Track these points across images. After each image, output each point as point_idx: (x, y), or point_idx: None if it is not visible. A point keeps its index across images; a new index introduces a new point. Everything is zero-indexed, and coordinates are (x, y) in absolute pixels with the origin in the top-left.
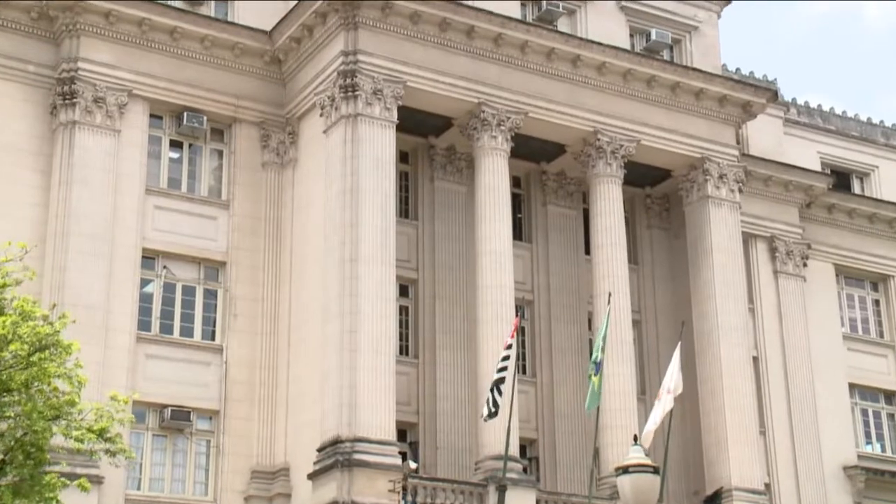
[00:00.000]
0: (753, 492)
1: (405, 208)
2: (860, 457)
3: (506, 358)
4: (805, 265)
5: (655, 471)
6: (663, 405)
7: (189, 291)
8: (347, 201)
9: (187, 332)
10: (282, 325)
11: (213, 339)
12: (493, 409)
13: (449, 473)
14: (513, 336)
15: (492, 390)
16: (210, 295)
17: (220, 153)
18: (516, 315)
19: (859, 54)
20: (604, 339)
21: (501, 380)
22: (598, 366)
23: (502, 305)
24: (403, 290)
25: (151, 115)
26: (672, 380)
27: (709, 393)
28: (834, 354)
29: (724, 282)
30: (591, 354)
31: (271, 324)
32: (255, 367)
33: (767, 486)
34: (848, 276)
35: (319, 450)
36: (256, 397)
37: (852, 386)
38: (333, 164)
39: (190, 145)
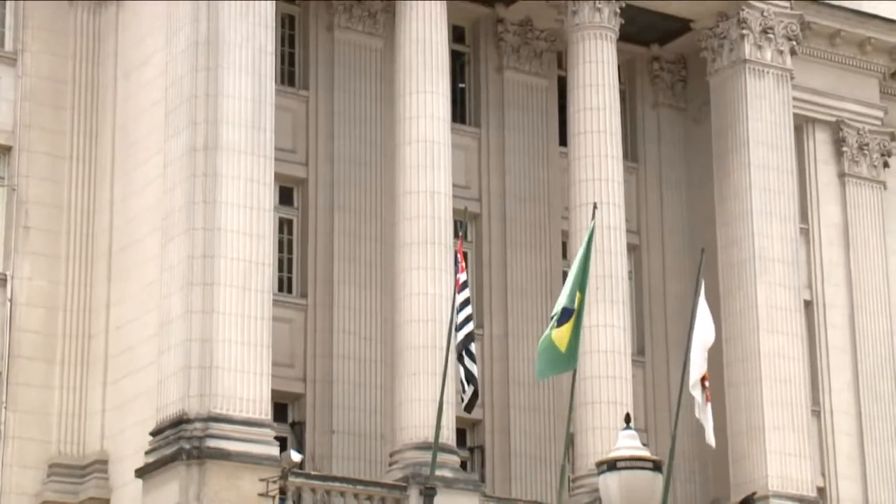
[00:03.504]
0: (801, 500)
1: (290, 71)
2: None
3: (465, 303)
4: (886, 166)
5: (657, 467)
6: (696, 369)
7: None
8: (201, 59)
9: None
10: (99, 245)
11: None
12: (470, 389)
13: (351, 470)
14: (463, 270)
15: (461, 358)
16: None
17: None
18: (457, 236)
19: None
20: (581, 271)
21: (470, 337)
22: (570, 312)
23: (435, 220)
24: (286, 196)
25: None
26: (701, 334)
27: (738, 356)
28: None
29: (766, 189)
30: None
31: (82, 243)
32: (56, 308)
33: (821, 490)
34: None
35: (155, 433)
36: (58, 354)
37: None
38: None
39: None
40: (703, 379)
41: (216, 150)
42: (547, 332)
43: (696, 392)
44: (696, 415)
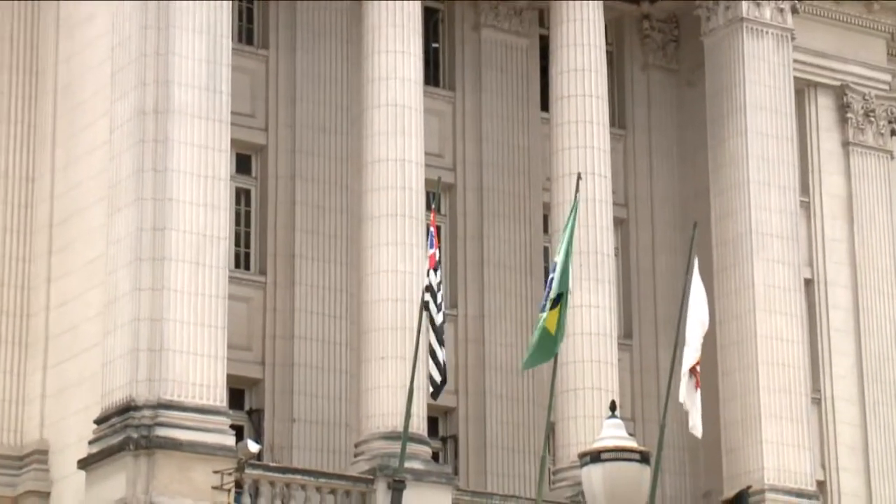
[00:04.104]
0: (800, 494)
1: (248, 29)
2: None
3: (440, 285)
4: (894, 134)
5: (644, 459)
6: (690, 355)
7: None
8: (151, 16)
9: None
10: (40, 216)
11: None
12: (440, 377)
13: (313, 461)
14: (437, 245)
15: (441, 342)
16: None
17: None
18: (429, 208)
19: None
20: (567, 249)
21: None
22: (558, 298)
23: (405, 191)
24: (244, 164)
25: None
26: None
27: (732, 339)
28: None
29: (764, 158)
30: (546, 276)
31: (21, 214)
32: None
33: (821, 484)
34: None
35: (100, 421)
36: None
37: None
38: None
39: None
40: (693, 364)
41: (167, 114)
42: (541, 322)
43: (685, 377)
44: (681, 400)
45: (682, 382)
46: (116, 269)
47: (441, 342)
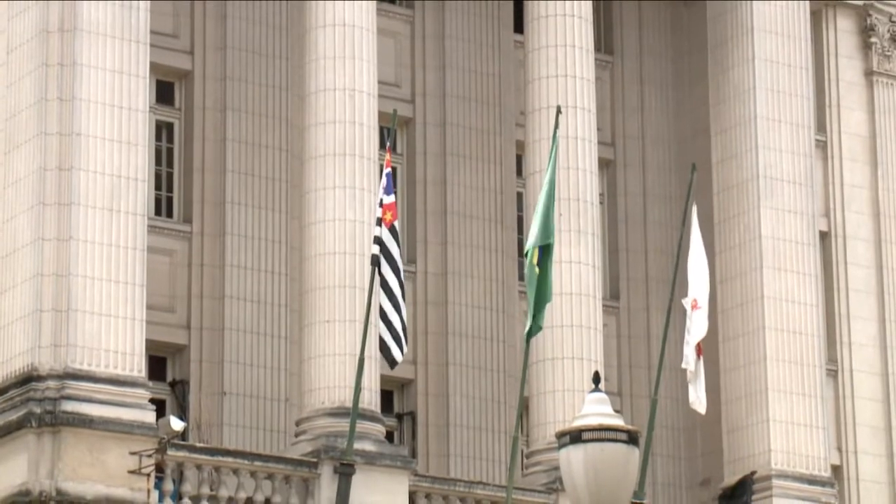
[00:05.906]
0: (812, 480)
1: None
2: None
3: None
4: None
5: (633, 439)
6: (695, 328)
7: None
8: None
9: None
10: None
11: None
12: (401, 340)
13: (247, 441)
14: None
15: (397, 308)
16: None
17: None
18: (383, 147)
19: None
20: (550, 194)
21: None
22: (544, 250)
23: (355, 127)
24: (165, 93)
25: None
26: (698, 279)
27: (735, 300)
28: None
29: (774, 90)
30: (519, 226)
31: None
32: None
33: (837, 469)
34: None
35: None
36: None
37: None
38: None
39: None
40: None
41: (75, 33)
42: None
43: (689, 348)
44: (683, 365)
45: (689, 348)
46: (15, 216)
47: (398, 308)
